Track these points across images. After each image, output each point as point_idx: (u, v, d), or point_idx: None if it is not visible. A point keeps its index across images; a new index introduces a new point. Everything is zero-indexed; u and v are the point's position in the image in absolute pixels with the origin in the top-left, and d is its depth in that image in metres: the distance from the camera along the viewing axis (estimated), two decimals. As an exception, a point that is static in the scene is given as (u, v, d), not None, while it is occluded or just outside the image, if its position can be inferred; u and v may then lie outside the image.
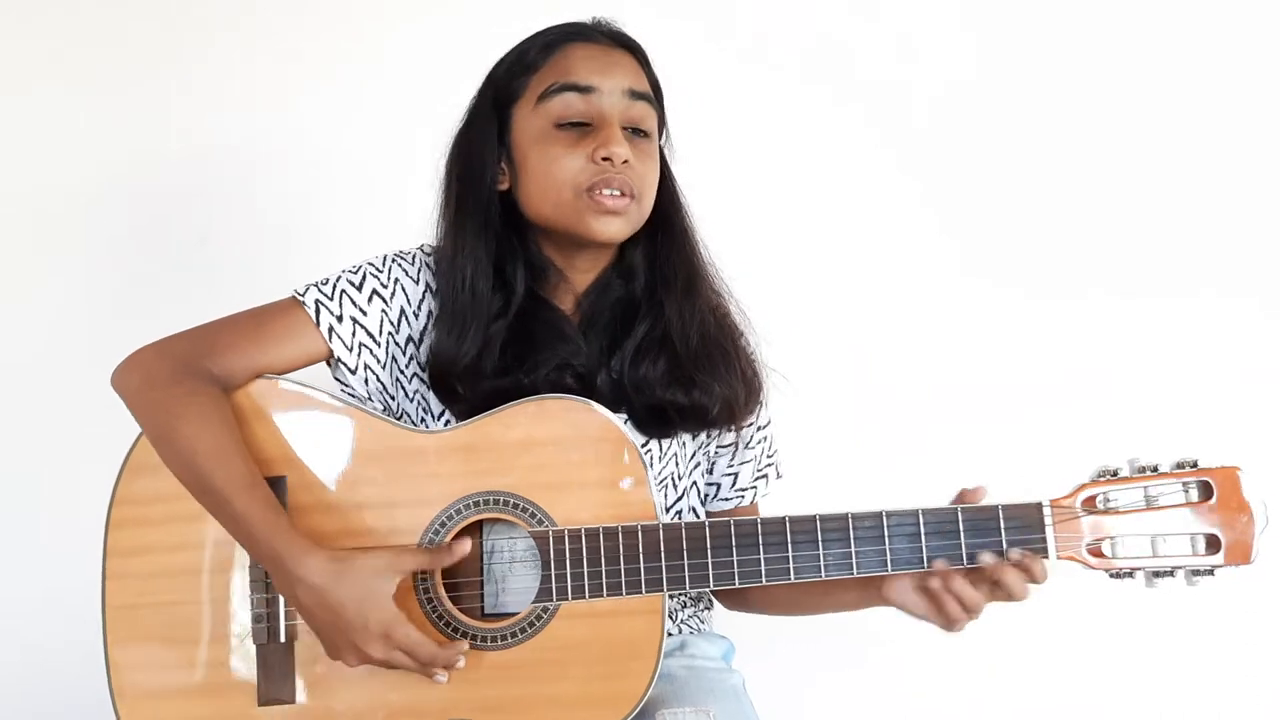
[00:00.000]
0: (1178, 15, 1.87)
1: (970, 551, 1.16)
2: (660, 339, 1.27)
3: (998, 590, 1.15)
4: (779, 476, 1.40)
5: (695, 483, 1.35)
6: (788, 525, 1.17)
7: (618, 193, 1.20)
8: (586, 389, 1.22)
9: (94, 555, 1.19)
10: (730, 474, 1.36)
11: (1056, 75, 1.88)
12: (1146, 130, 1.88)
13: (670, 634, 1.35)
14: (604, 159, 1.19)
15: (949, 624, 1.17)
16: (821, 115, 1.89)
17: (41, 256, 1.87)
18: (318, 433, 1.20)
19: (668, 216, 1.30)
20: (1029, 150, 1.88)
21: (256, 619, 1.17)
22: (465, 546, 1.15)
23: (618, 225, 1.22)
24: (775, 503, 1.39)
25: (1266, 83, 1.88)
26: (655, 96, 1.28)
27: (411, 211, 1.30)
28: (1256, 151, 1.88)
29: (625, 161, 1.20)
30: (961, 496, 1.18)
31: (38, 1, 1.85)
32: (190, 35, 1.87)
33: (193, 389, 1.15)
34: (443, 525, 1.18)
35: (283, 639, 1.17)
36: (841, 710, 1.89)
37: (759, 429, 1.36)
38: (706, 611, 1.41)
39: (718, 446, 1.35)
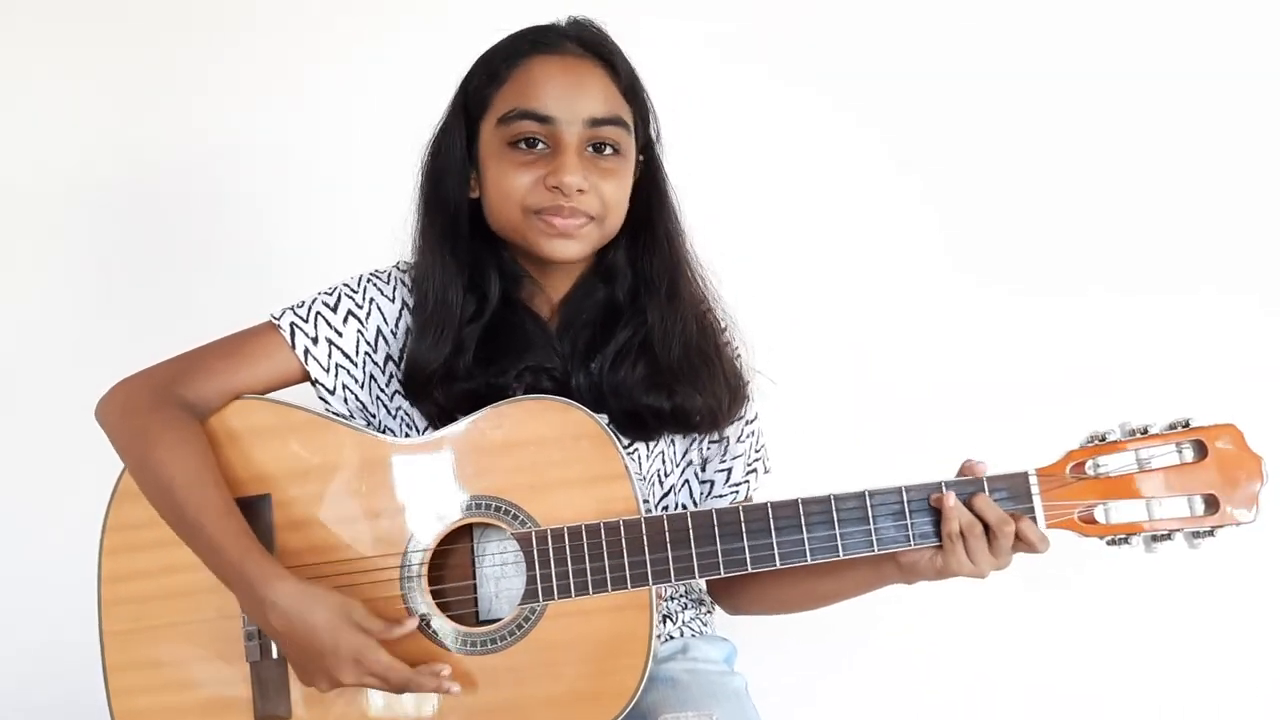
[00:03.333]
0: (1177, 13, 1.86)
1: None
2: (641, 345, 1.25)
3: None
4: (766, 471, 1.38)
5: (688, 481, 1.34)
6: (770, 511, 1.15)
7: (570, 219, 1.20)
8: (561, 392, 1.22)
9: (90, 580, 1.21)
10: (723, 470, 1.35)
11: (1057, 71, 1.87)
12: (1147, 127, 1.86)
13: (672, 637, 1.33)
14: (554, 187, 1.18)
15: (967, 561, 1.13)
16: (818, 111, 1.88)
17: (41, 259, 1.90)
18: (299, 448, 1.21)
19: (650, 220, 1.28)
20: (1027, 145, 1.86)
21: (249, 636, 1.18)
22: (412, 622, 1.14)
23: (573, 247, 1.21)
24: (774, 493, 1.37)
25: (1266, 80, 1.86)
26: (631, 104, 1.25)
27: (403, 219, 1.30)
28: (1256, 149, 1.86)
29: (580, 190, 1.18)
30: (968, 468, 1.16)
31: (40, 4, 1.89)
32: (190, 38, 1.90)
33: (168, 417, 1.17)
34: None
35: (275, 655, 1.17)
36: (844, 713, 1.84)
37: (747, 423, 1.35)
38: (708, 614, 1.39)
39: (709, 442, 1.34)
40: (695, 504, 1.35)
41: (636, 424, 1.25)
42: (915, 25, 1.88)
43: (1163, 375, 1.81)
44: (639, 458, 1.28)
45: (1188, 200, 1.85)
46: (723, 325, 1.33)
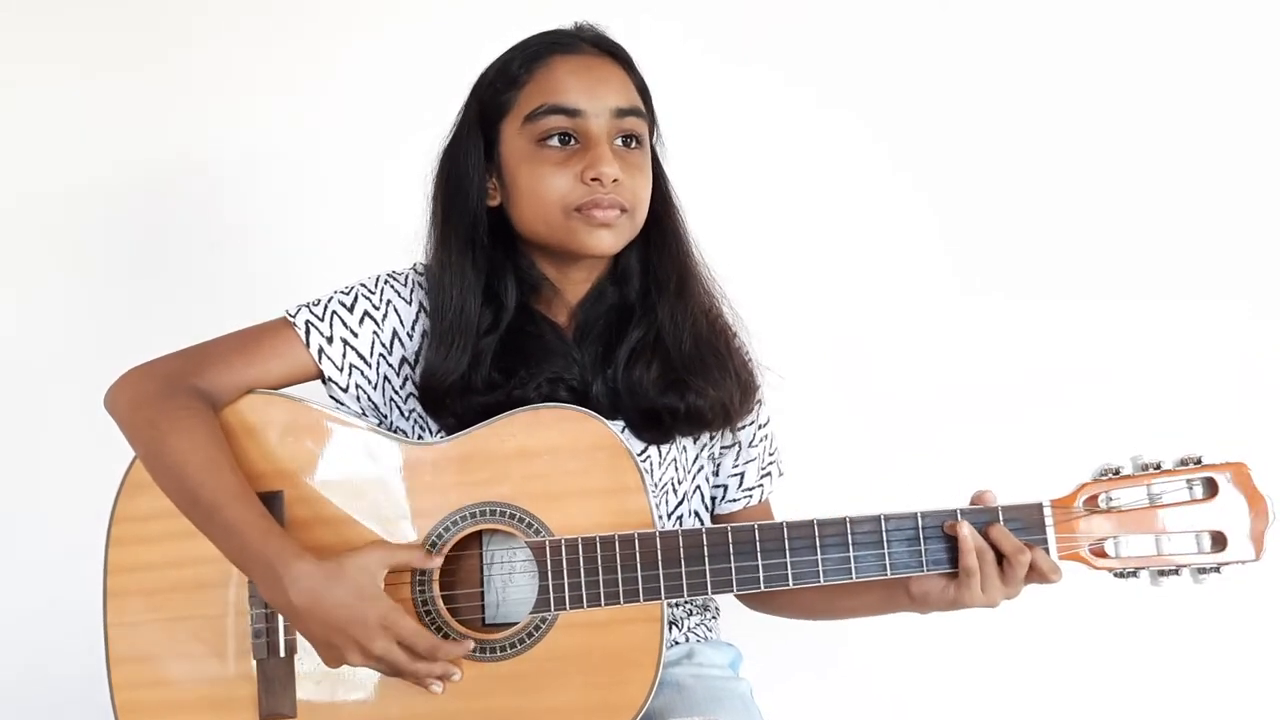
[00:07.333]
0: (1175, 18, 1.86)
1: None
2: (653, 343, 1.26)
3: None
4: (780, 474, 1.40)
5: (699, 487, 1.34)
6: (785, 531, 1.16)
7: (610, 210, 1.20)
8: (580, 401, 1.22)
9: (95, 572, 1.20)
10: (736, 474, 1.36)
11: (1057, 76, 1.87)
12: (1146, 136, 1.86)
13: (677, 642, 1.34)
14: (593, 179, 1.18)
15: (979, 592, 1.14)
16: (816, 114, 1.88)
17: (44, 262, 1.88)
18: (314, 447, 1.20)
19: (659, 218, 1.29)
20: (1025, 150, 1.86)
21: (256, 634, 1.18)
22: (438, 560, 1.15)
23: (610, 238, 1.22)
24: (778, 501, 1.40)
25: (1261, 86, 1.86)
26: (644, 102, 1.27)
27: (418, 222, 1.30)
28: (1251, 160, 1.86)
29: (615, 180, 1.19)
30: (979, 498, 1.17)
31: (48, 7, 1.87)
32: (191, 41, 1.88)
33: (181, 405, 1.16)
34: (439, 537, 1.18)
35: (282, 653, 1.17)
36: (850, 719, 1.88)
37: (759, 427, 1.36)
38: (714, 620, 1.40)
39: (721, 447, 1.35)
40: (707, 509, 1.36)
41: (652, 423, 1.26)
42: (916, 30, 1.88)
43: (1158, 380, 1.84)
44: (652, 465, 1.28)
45: (1184, 209, 1.86)
46: (731, 325, 1.34)
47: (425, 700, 1.15)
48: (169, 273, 1.86)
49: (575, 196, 1.19)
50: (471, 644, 1.13)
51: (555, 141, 1.20)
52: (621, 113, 1.21)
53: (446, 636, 1.16)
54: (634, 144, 1.23)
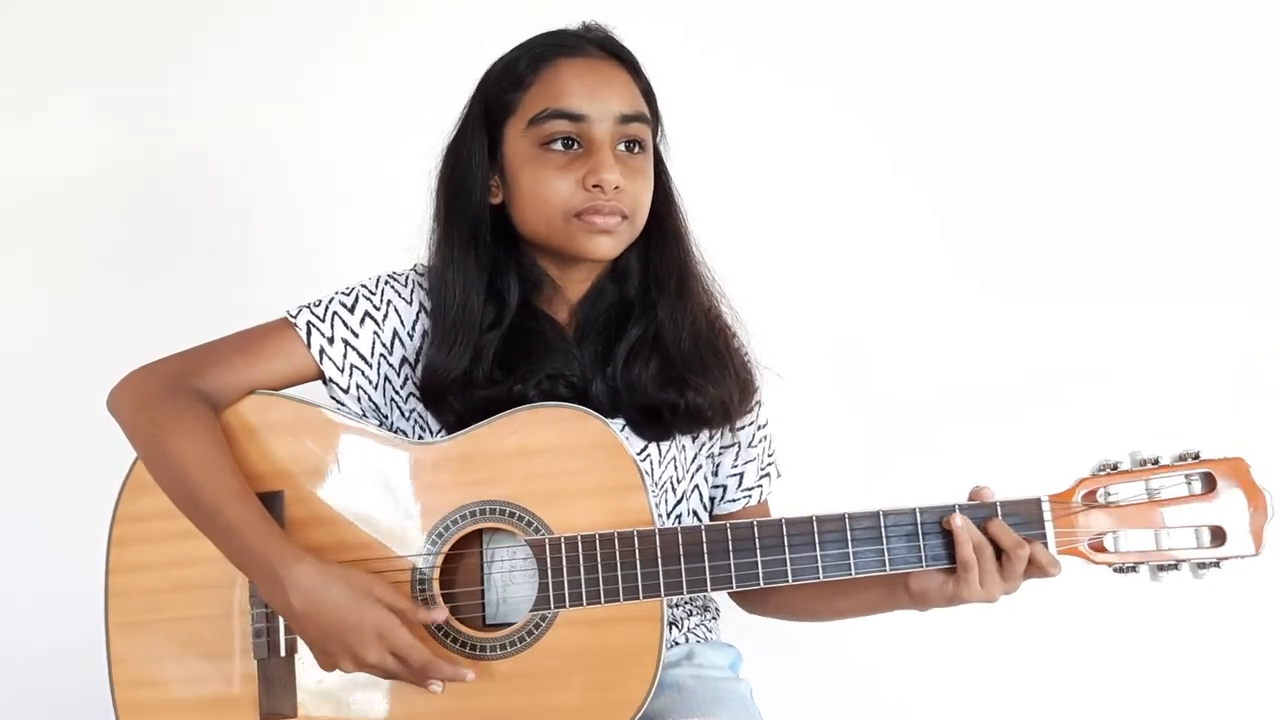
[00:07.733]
0: (1175, 18, 1.87)
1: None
2: (652, 340, 1.27)
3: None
4: (779, 475, 1.40)
5: (698, 486, 1.34)
6: (784, 528, 1.16)
7: (610, 216, 1.21)
8: (580, 399, 1.22)
9: (97, 571, 1.20)
10: (735, 474, 1.36)
11: (1057, 77, 1.87)
12: (1146, 136, 1.87)
13: (677, 643, 1.34)
14: (594, 186, 1.19)
15: (978, 586, 1.14)
16: (816, 114, 1.88)
17: (45, 263, 1.89)
18: (314, 447, 1.20)
19: (660, 218, 1.29)
20: (1025, 150, 1.87)
21: (257, 633, 1.18)
22: (442, 613, 1.14)
23: (609, 244, 1.22)
24: (776, 501, 1.40)
25: (1261, 86, 1.87)
26: (648, 105, 1.27)
27: (418, 221, 1.30)
28: (1251, 160, 1.87)
29: (616, 187, 1.19)
30: (977, 494, 1.17)
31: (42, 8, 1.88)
32: (192, 40, 1.89)
33: (183, 406, 1.17)
34: (439, 536, 1.18)
35: (283, 652, 1.18)
36: (848, 718, 1.87)
37: (759, 428, 1.36)
38: (714, 621, 1.41)
39: (720, 447, 1.35)
40: (706, 508, 1.37)
41: (652, 420, 1.26)
42: (916, 30, 1.89)
43: (1157, 379, 1.84)
44: (652, 463, 1.28)
45: (1183, 209, 1.87)
46: (731, 324, 1.34)
47: (425, 699, 1.15)
48: (170, 273, 1.87)
49: (576, 202, 1.20)
50: (470, 674, 1.13)
51: (558, 146, 1.21)
52: (625, 119, 1.22)
53: (448, 636, 1.16)
54: (637, 149, 1.23)
